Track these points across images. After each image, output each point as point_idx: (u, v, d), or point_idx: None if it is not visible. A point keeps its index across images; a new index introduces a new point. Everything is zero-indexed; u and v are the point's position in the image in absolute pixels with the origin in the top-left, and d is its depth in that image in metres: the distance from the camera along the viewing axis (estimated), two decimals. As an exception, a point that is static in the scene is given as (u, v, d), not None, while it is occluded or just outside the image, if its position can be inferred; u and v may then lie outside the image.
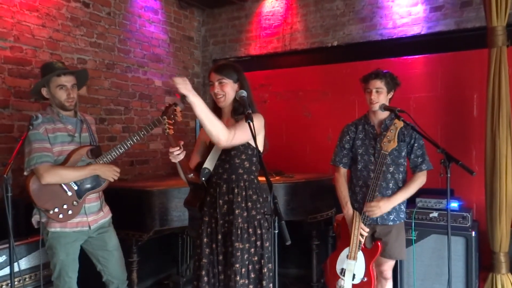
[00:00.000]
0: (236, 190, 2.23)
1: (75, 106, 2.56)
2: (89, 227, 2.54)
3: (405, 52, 4.02)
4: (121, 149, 2.53)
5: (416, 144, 2.68)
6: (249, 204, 2.24)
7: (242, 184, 2.26)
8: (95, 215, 2.59)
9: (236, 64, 2.34)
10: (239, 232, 2.19)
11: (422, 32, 3.88)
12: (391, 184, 2.68)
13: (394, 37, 4.02)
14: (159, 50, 4.57)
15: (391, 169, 2.67)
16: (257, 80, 4.70)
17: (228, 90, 2.23)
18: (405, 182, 2.72)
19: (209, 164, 2.28)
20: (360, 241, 2.65)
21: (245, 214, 2.22)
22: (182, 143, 2.15)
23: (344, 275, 2.72)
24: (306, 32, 4.51)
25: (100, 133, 3.75)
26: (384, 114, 2.73)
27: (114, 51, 4.02)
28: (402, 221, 2.76)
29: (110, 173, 2.52)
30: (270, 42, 4.73)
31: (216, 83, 2.24)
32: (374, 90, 2.66)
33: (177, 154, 2.10)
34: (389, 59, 4.03)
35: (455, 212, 3.14)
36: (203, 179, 2.27)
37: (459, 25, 3.73)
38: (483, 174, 3.18)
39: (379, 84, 2.66)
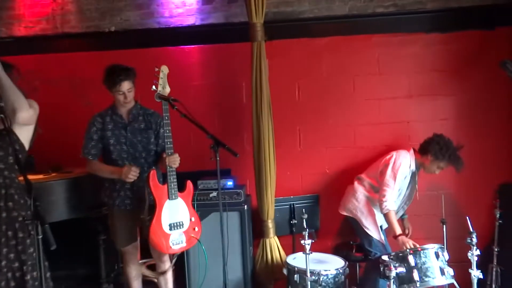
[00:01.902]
0: None
1: None
2: None
3: (182, 42, 4.18)
4: None
5: (161, 130, 2.94)
6: (10, 204, 2.05)
7: (1, 181, 2.04)
8: None
9: None
10: None
11: (196, 23, 4.10)
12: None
13: (171, 26, 4.13)
14: None
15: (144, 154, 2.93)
16: (25, 65, 4.13)
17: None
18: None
19: None
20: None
21: (4, 214, 2.02)
22: None
23: (174, 229, 2.77)
24: (80, 14, 4.20)
25: None
26: (131, 104, 2.91)
27: None
28: None
29: None
30: (39, 23, 4.22)
31: None
32: (126, 92, 2.82)
33: None
34: (167, 47, 4.14)
35: (230, 190, 3.49)
36: None
37: (228, 19, 4.09)
38: (253, 154, 3.63)
39: (128, 85, 2.83)
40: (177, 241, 2.82)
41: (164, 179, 2.95)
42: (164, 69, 2.86)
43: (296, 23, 4.08)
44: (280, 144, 3.79)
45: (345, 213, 3.57)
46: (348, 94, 4.06)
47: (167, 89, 2.85)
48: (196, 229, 2.92)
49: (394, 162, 3.32)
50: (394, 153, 3.42)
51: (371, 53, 4.03)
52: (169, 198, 2.80)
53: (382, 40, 4.01)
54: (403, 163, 3.31)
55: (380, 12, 4.00)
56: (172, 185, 2.79)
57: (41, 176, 3.33)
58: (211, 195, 3.45)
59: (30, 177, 2.81)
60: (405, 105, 3.99)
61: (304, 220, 2.79)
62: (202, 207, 3.37)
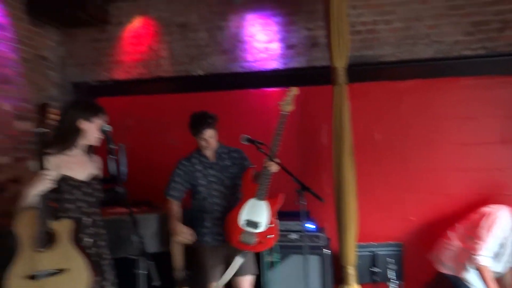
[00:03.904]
0: (99, 223, 2.27)
1: None
2: None
3: (264, 84, 4.35)
4: None
5: (246, 162, 3.12)
6: (102, 243, 2.30)
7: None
8: None
9: None
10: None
11: (279, 67, 4.25)
12: None
13: (254, 70, 4.33)
14: (7, 70, 4.10)
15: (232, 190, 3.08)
16: (121, 105, 4.55)
17: None
18: None
19: None
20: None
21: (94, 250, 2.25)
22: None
23: (249, 226, 2.78)
24: (172, 59, 4.55)
25: None
26: (215, 147, 3.07)
27: None
28: None
29: None
30: (135, 67, 4.64)
31: None
32: (209, 138, 2.98)
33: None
34: (250, 90, 4.32)
35: (311, 233, 3.47)
36: None
37: (310, 63, 4.20)
38: (333, 196, 3.60)
39: (211, 132, 2.98)
40: (246, 239, 2.81)
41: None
42: (293, 90, 3.00)
43: (377, 66, 4.09)
44: (360, 187, 3.72)
45: (445, 271, 3.34)
46: (432, 138, 3.93)
47: (289, 108, 2.96)
48: (270, 236, 2.86)
49: (491, 216, 3.11)
50: (493, 207, 3.21)
51: (458, 96, 3.89)
52: (255, 197, 2.84)
53: (470, 83, 3.87)
54: (502, 220, 3.09)
55: (467, 54, 3.88)
56: (263, 186, 2.83)
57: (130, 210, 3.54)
58: (290, 237, 3.45)
59: (120, 210, 3.02)
60: (497, 151, 3.76)
61: (390, 269, 2.68)
62: (281, 249, 3.37)
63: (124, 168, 2.46)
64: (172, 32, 4.53)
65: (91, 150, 2.36)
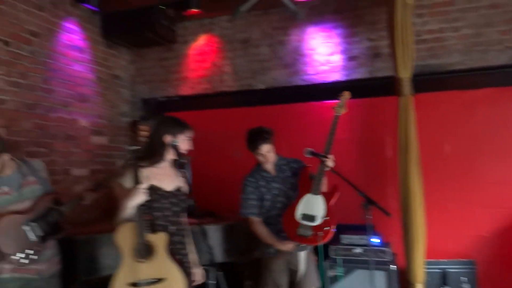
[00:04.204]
0: (183, 232, 2.41)
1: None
2: (39, 275, 2.40)
3: (326, 96, 4.33)
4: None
5: None
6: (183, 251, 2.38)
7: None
8: (47, 264, 2.47)
9: None
10: None
11: (341, 79, 4.23)
12: None
13: (316, 82, 4.34)
14: (85, 89, 4.46)
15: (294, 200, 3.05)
16: (187, 120, 4.73)
17: None
18: None
19: None
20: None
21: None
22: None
23: (305, 220, 2.80)
24: (234, 75, 4.69)
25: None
26: (273, 160, 3.09)
27: (36, 90, 3.85)
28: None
29: None
30: (200, 83, 4.83)
31: None
32: (266, 153, 2.99)
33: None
34: (311, 102, 4.33)
35: (376, 248, 3.38)
36: None
37: (372, 73, 4.14)
38: (398, 210, 3.49)
39: (267, 147, 2.98)
40: (303, 232, 2.82)
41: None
42: (346, 95, 3.03)
43: (445, 75, 3.94)
44: (429, 201, 3.57)
45: None
46: (506, 150, 3.69)
47: (342, 110, 3.01)
48: (327, 228, 2.83)
49: None
50: None
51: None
52: (311, 192, 2.86)
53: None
54: None
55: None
56: (318, 181, 2.85)
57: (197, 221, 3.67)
58: (355, 251, 3.39)
59: (189, 221, 3.12)
60: None
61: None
62: (345, 263, 3.32)
63: (190, 180, 2.58)
64: (235, 48, 4.68)
65: (177, 163, 2.49)
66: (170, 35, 4.72)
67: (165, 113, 4.90)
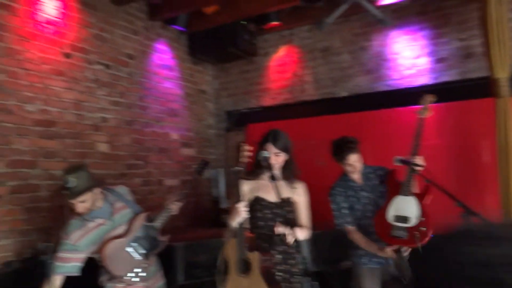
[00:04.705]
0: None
1: (92, 206, 2.53)
2: None
3: (413, 101, 4.16)
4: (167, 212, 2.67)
5: None
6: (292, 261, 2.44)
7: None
8: (153, 279, 2.66)
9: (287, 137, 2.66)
10: None
11: (428, 83, 4.05)
12: None
13: (401, 87, 4.20)
14: (175, 104, 4.76)
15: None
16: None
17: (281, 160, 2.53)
18: None
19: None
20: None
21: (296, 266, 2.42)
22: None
23: (398, 221, 2.73)
24: (315, 83, 4.70)
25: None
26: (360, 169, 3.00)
27: (134, 108, 4.19)
28: None
29: None
30: (281, 93, 4.92)
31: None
32: (354, 163, 2.91)
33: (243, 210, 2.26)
34: (397, 108, 4.19)
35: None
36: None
37: (463, 75, 3.91)
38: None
39: (354, 157, 2.90)
40: (398, 234, 2.71)
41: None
42: (429, 98, 2.94)
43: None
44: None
45: None
46: None
47: (426, 113, 2.92)
48: (423, 229, 2.68)
49: None
50: None
51: None
52: (400, 193, 2.76)
53: None
54: None
55: None
56: (408, 182, 2.75)
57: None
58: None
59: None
60: None
61: None
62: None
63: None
64: (316, 57, 4.70)
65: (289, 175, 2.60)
66: (251, 48, 4.88)
67: (248, 124, 5.07)
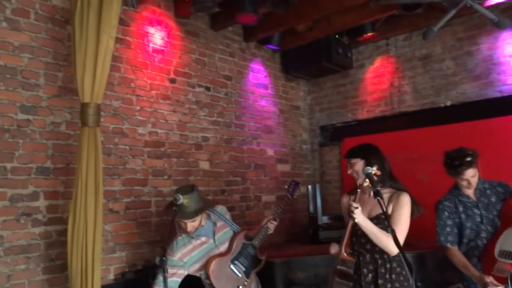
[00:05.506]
0: (379, 261, 2.36)
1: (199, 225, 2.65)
2: None
3: (531, 108, 3.76)
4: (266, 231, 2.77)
5: None
6: (393, 276, 2.33)
7: (385, 256, 2.35)
8: None
9: (365, 144, 2.58)
10: None
11: (549, 86, 3.62)
12: None
13: (515, 93, 3.81)
14: (270, 121, 4.85)
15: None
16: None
17: (357, 168, 2.44)
18: None
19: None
20: None
21: (388, 286, 2.32)
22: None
23: (503, 257, 2.48)
24: (415, 93, 4.47)
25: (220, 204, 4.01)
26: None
27: (231, 126, 4.36)
28: None
29: None
30: (378, 106, 4.75)
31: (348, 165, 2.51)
32: (470, 178, 2.69)
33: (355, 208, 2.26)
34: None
35: None
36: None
37: None
38: None
39: (472, 172, 2.66)
40: (499, 271, 2.44)
41: None
42: None
43: None
44: None
45: None
46: None
47: None
48: None
49: None
50: None
51: None
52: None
53: None
54: None
55: None
56: None
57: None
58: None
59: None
60: None
61: None
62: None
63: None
64: (414, 66, 4.48)
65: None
66: (346, 62, 4.80)
67: (343, 138, 4.97)
